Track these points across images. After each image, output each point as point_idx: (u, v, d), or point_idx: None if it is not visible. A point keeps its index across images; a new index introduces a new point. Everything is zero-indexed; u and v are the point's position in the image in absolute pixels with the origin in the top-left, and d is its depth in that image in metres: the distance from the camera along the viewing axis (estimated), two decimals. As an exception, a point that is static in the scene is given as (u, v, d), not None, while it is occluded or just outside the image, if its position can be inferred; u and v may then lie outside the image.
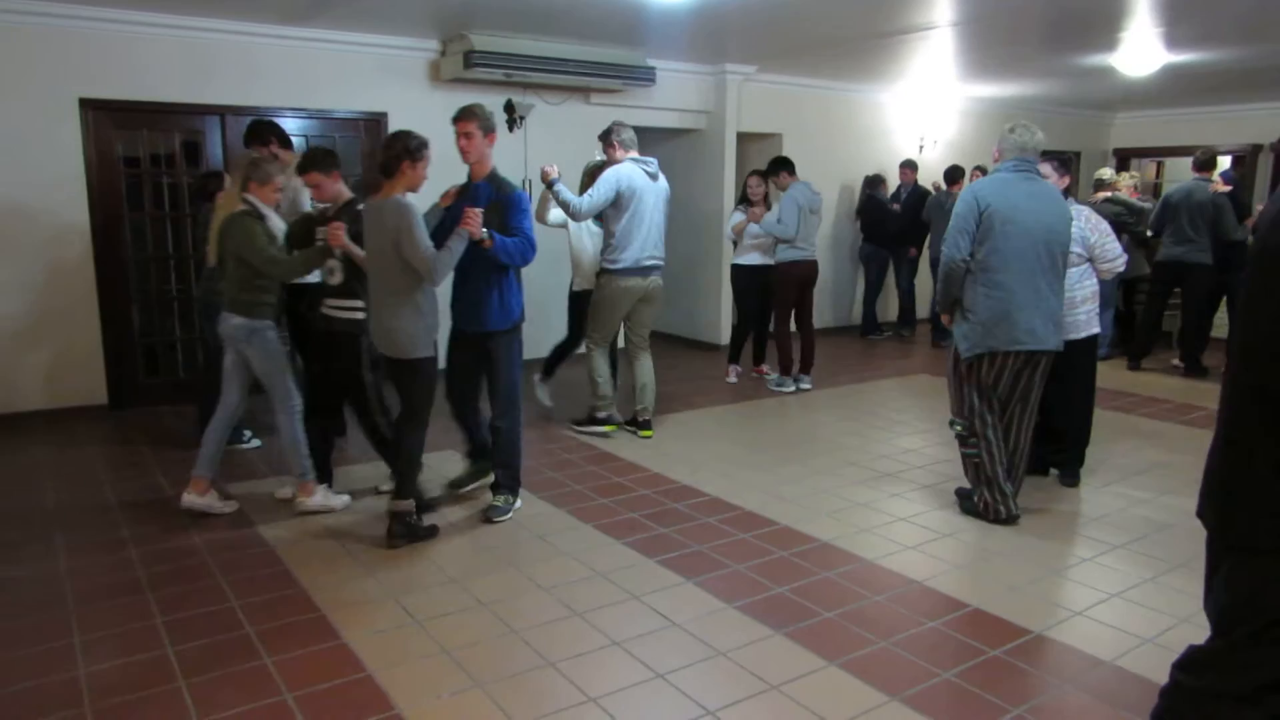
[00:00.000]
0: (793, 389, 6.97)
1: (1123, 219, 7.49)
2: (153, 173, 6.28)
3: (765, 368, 7.43)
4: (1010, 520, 4.17)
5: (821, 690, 2.81)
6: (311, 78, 6.52)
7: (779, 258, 6.74)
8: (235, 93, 6.26)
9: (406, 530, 3.90)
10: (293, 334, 5.65)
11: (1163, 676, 2.92)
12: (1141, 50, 7.07)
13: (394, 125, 6.84)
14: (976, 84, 9.39)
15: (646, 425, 5.69)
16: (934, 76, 8.90)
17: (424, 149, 3.82)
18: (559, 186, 5.10)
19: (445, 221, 4.05)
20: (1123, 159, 12.03)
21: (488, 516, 4.17)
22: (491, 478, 4.36)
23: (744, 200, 7.06)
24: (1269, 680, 1.71)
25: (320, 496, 4.27)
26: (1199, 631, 3.13)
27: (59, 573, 3.62)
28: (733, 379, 7.30)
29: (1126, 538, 4.09)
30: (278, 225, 4.24)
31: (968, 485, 4.37)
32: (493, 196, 4.05)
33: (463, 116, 4.04)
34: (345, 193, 4.23)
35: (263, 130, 5.20)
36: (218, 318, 4.20)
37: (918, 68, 8.33)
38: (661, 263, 5.51)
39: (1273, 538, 1.66)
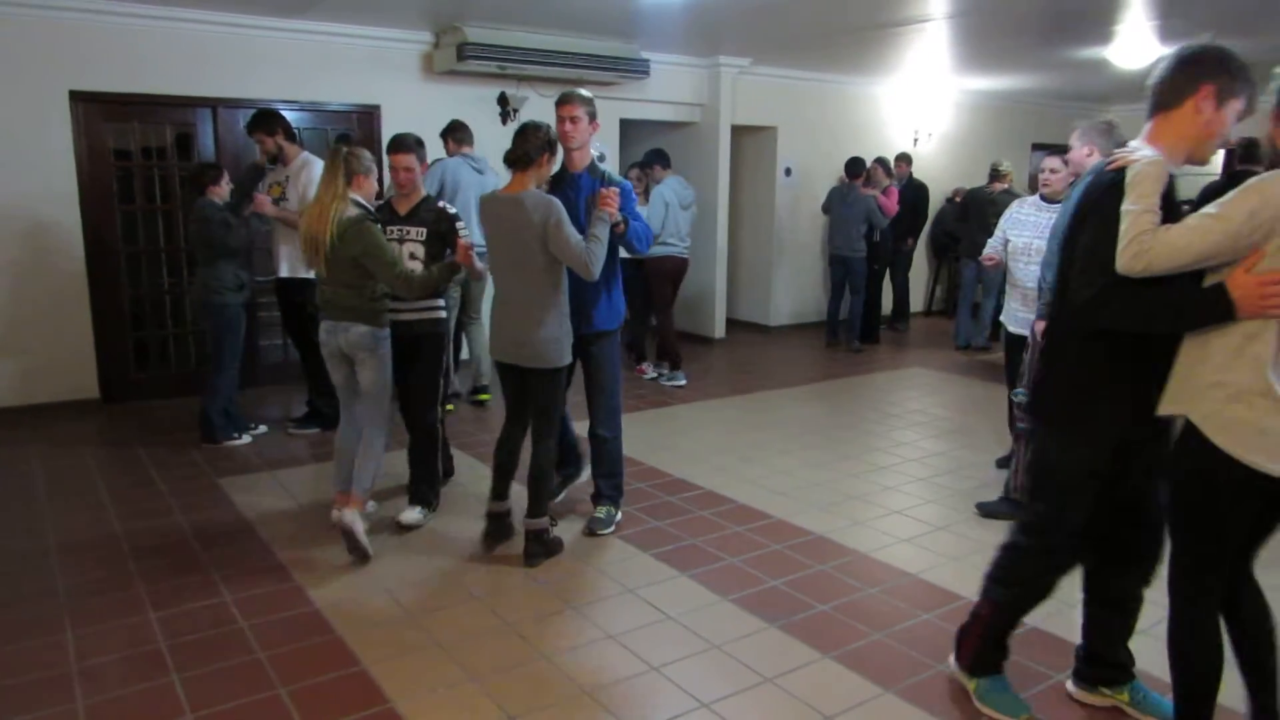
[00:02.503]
0: (683, 382, 6.92)
1: None
2: (144, 166, 6.24)
3: (645, 366, 7.31)
4: None
5: (816, 682, 2.81)
6: (304, 70, 6.48)
7: (650, 253, 6.69)
8: (227, 85, 6.22)
9: (544, 548, 3.68)
10: (291, 330, 5.65)
11: (1162, 668, 2.92)
12: (1136, 43, 7.07)
13: (387, 118, 6.83)
14: (971, 77, 9.39)
15: (484, 390, 6.08)
16: (929, 69, 8.89)
17: (559, 143, 3.64)
18: None
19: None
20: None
21: (591, 529, 3.96)
22: (583, 476, 4.25)
23: None
24: (1076, 528, 2.39)
25: (365, 518, 3.90)
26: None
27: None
28: (651, 374, 7.20)
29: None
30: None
31: (987, 500, 4.35)
32: (597, 188, 3.69)
33: (566, 100, 3.72)
34: (422, 187, 4.09)
35: (269, 120, 5.16)
36: (322, 325, 3.80)
37: (912, 60, 8.32)
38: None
39: (1067, 411, 2.36)
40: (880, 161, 8.73)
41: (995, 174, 8.43)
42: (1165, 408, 2.21)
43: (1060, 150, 4.63)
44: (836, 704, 2.69)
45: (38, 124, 5.68)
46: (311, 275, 5.09)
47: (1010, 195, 8.09)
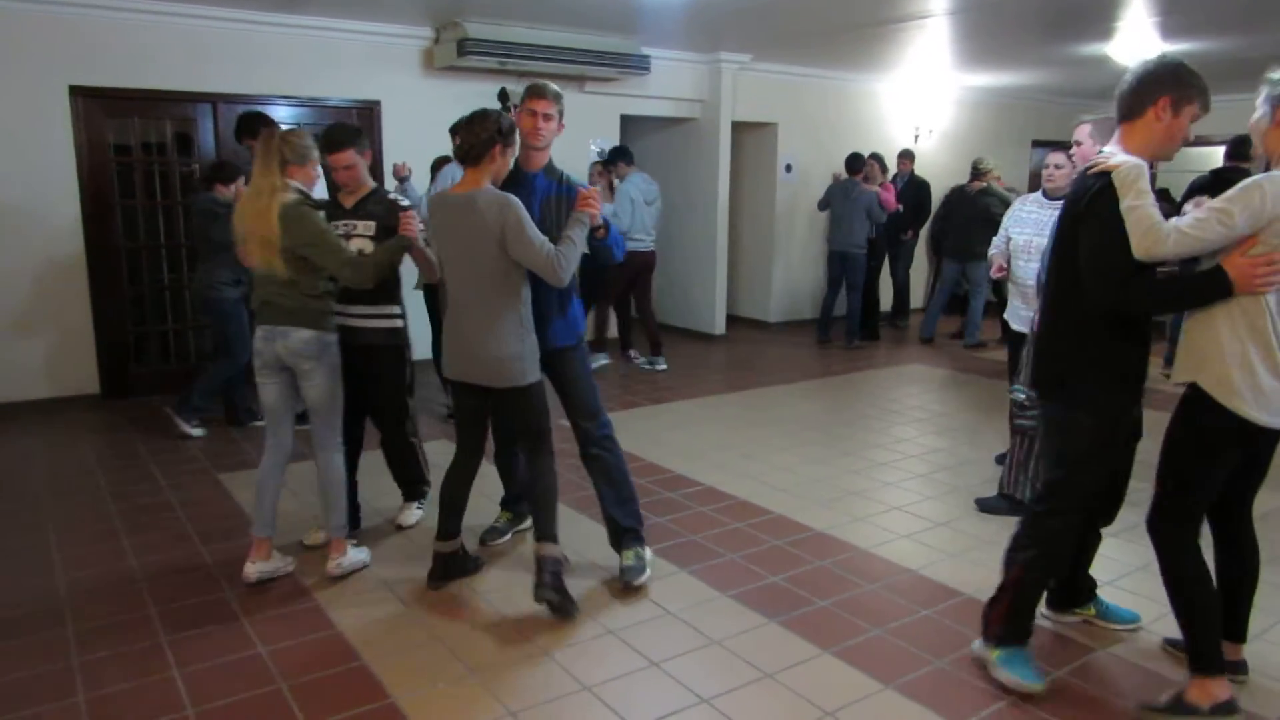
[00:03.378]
0: (664, 367, 7.36)
1: (994, 210, 7.69)
2: (144, 161, 6.24)
3: (634, 352, 7.77)
4: None
5: (816, 678, 2.81)
6: (304, 65, 6.48)
7: None
8: (228, 80, 6.22)
9: (557, 591, 3.16)
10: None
11: (1159, 666, 2.95)
12: (1137, 39, 7.06)
13: (387, 113, 6.83)
14: (972, 73, 9.38)
15: None
16: (930, 66, 8.88)
17: (515, 132, 3.20)
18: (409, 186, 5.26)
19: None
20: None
21: (626, 581, 3.39)
22: (527, 522, 3.83)
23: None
24: (1089, 494, 2.68)
25: (353, 555, 3.54)
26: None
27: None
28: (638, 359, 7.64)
29: (1120, 525, 4.07)
30: (322, 216, 3.52)
31: (986, 495, 4.36)
32: (553, 191, 3.33)
33: (540, 94, 3.27)
34: (369, 180, 3.69)
35: (254, 123, 5.10)
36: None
37: (913, 57, 8.32)
38: None
39: (1072, 387, 2.63)
40: (875, 157, 8.73)
41: (976, 172, 8.47)
42: (1179, 376, 2.54)
43: (1063, 147, 4.62)
44: (836, 699, 2.70)
45: (38, 119, 5.68)
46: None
47: (989, 195, 8.16)
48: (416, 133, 6.74)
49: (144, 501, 4.28)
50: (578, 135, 6.85)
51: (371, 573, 3.54)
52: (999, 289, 8.53)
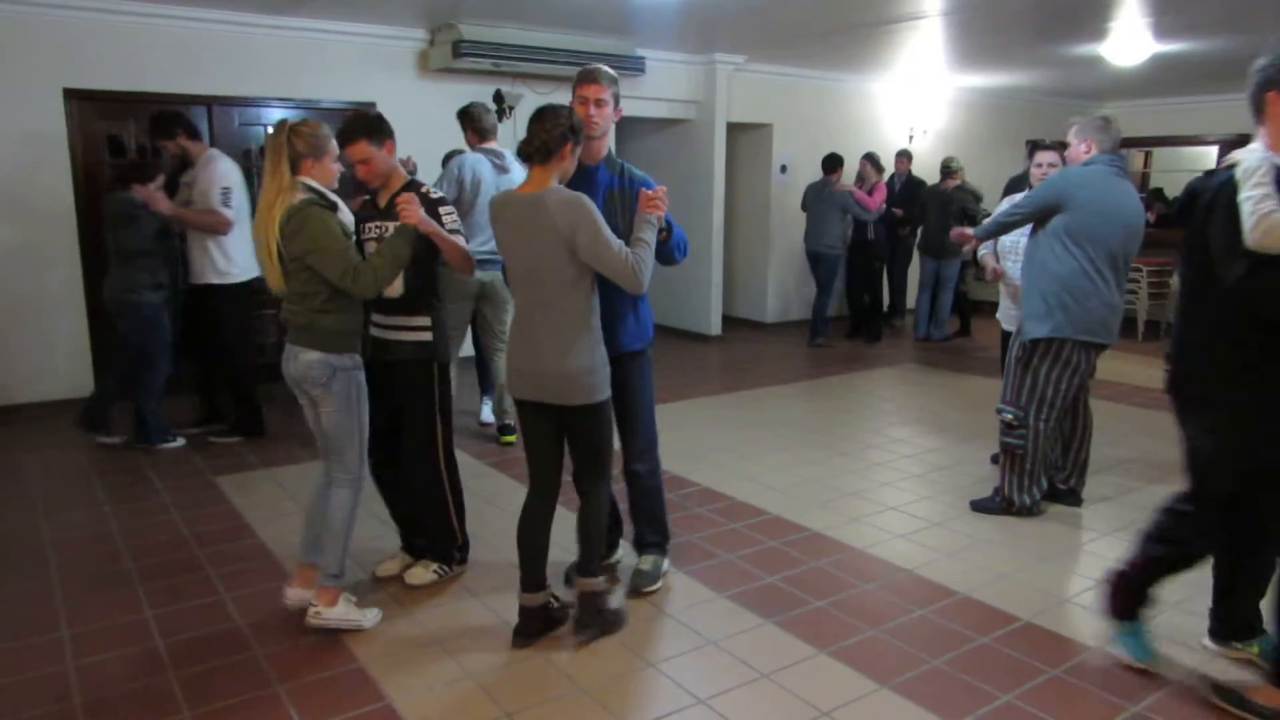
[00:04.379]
0: None
1: (969, 207, 8.02)
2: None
3: None
4: (1032, 511, 4.20)
5: (812, 678, 2.82)
6: (299, 67, 6.47)
7: None
8: (222, 83, 6.21)
9: (599, 619, 3.05)
10: (197, 337, 5.26)
11: (1154, 665, 2.93)
12: (1130, 40, 7.08)
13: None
14: (966, 74, 9.40)
15: (509, 430, 5.33)
16: (924, 66, 8.90)
17: (583, 129, 2.96)
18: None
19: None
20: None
21: (637, 586, 3.36)
22: (615, 555, 3.60)
23: None
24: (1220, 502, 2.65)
25: (345, 609, 3.10)
26: (1188, 618, 3.16)
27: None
28: None
29: (1115, 525, 4.11)
30: (348, 216, 3.14)
31: (981, 496, 4.36)
32: (615, 185, 3.14)
33: (592, 79, 3.07)
34: (401, 172, 3.26)
35: (168, 122, 4.99)
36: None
37: (908, 57, 8.34)
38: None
39: (1206, 396, 2.63)
40: (869, 158, 8.75)
41: (946, 171, 8.56)
42: None
43: (1057, 147, 4.66)
44: (832, 699, 2.70)
45: (32, 121, 5.67)
46: (222, 280, 5.00)
47: (963, 191, 8.27)
48: (412, 134, 6.64)
49: (140, 505, 4.27)
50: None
51: (369, 578, 3.53)
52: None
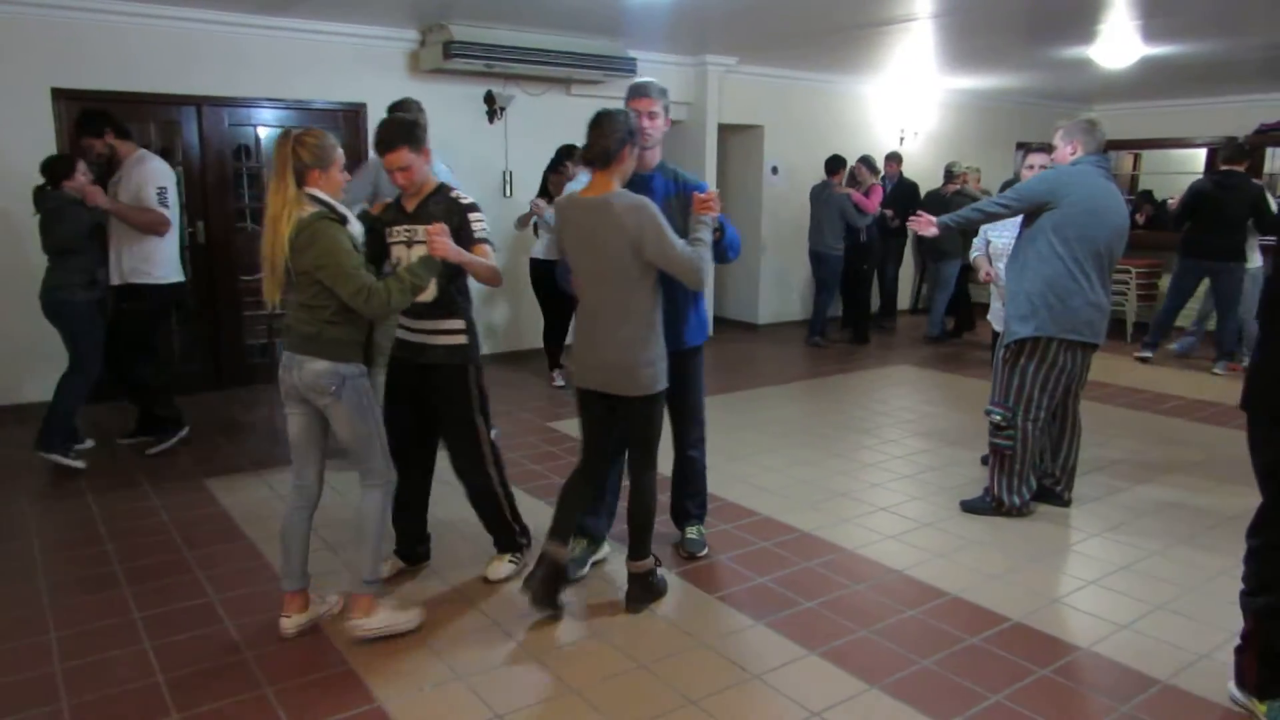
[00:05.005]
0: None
1: None
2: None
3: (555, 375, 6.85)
4: (1022, 512, 4.20)
5: (802, 679, 2.82)
6: (289, 68, 6.45)
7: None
8: (212, 83, 6.19)
9: (649, 593, 3.31)
10: (122, 338, 4.98)
11: (1140, 663, 2.97)
12: (1119, 43, 7.12)
13: (373, 116, 6.79)
14: (956, 76, 9.43)
15: None
16: (914, 68, 8.93)
17: (639, 132, 3.14)
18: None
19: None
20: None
21: (690, 551, 3.73)
22: (602, 552, 3.69)
23: (544, 192, 6.50)
24: None
25: (385, 615, 3.06)
26: (1175, 618, 3.18)
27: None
28: (559, 382, 6.72)
29: (1104, 525, 4.13)
30: (357, 228, 3.03)
31: (971, 496, 4.37)
32: (671, 191, 3.36)
33: (643, 93, 3.27)
34: (432, 178, 3.24)
35: (95, 121, 4.87)
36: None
37: (898, 60, 8.36)
38: None
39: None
40: (864, 160, 8.77)
41: (949, 175, 8.54)
42: None
43: (1047, 149, 4.66)
44: (822, 700, 2.71)
45: (19, 121, 5.63)
46: (150, 281, 4.87)
47: (963, 196, 8.23)
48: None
49: (129, 506, 4.25)
50: (564, 138, 6.81)
51: (358, 579, 3.51)
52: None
